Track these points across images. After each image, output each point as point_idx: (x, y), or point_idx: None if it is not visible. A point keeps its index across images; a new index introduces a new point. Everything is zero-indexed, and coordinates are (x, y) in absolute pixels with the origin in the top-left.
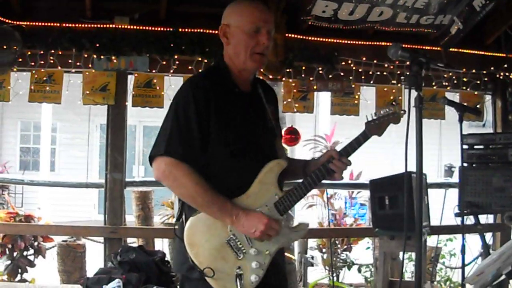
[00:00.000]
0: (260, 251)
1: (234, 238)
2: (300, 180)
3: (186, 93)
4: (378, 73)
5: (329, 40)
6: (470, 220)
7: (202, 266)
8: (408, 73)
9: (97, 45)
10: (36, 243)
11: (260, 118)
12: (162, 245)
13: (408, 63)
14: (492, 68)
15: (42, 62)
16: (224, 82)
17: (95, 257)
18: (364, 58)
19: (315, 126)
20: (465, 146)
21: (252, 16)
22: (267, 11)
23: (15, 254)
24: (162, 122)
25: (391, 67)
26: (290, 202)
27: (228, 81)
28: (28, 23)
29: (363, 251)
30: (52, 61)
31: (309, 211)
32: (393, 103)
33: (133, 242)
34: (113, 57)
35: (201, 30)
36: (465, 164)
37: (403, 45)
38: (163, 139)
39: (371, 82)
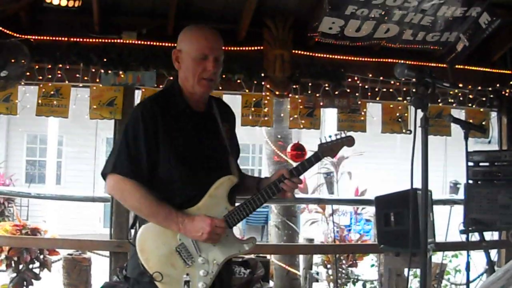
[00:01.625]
0: (208, 260)
1: (183, 246)
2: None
3: (136, 114)
4: (384, 89)
5: (336, 56)
6: (475, 237)
7: (152, 271)
8: (414, 92)
9: (105, 59)
10: (41, 256)
11: (213, 136)
12: None
13: (414, 80)
14: (497, 85)
15: (50, 76)
16: (176, 102)
17: (100, 271)
18: (370, 75)
19: None
20: (470, 163)
21: (199, 44)
22: (215, 39)
23: (20, 266)
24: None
25: (397, 84)
26: (239, 216)
27: (180, 102)
28: (36, 37)
29: (368, 267)
30: (59, 75)
31: (314, 227)
32: (399, 120)
33: None
34: (121, 72)
35: None
36: (470, 181)
37: (409, 62)
38: (112, 157)
39: (377, 98)
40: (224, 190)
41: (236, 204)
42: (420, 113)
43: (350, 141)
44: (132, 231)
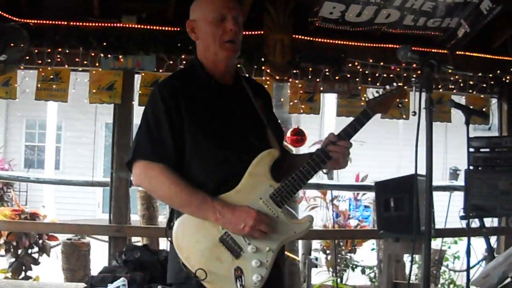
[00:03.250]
0: (260, 248)
1: (228, 236)
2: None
3: (154, 95)
4: (385, 75)
5: (336, 41)
6: (475, 223)
7: (194, 269)
8: (415, 76)
9: (105, 44)
10: (40, 241)
11: (246, 110)
12: (166, 244)
13: (414, 65)
14: (498, 72)
15: (49, 60)
16: (198, 77)
17: (99, 256)
18: (371, 60)
19: (321, 127)
20: (471, 149)
21: (214, 5)
22: None
23: (19, 251)
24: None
25: (398, 69)
26: (288, 193)
27: (202, 75)
28: (35, 21)
29: (367, 253)
30: (59, 60)
31: (313, 213)
32: (399, 105)
33: (137, 241)
34: (120, 56)
35: None
36: (471, 167)
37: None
38: (134, 144)
39: (378, 84)
40: (266, 166)
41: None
42: (424, 96)
43: (402, 93)
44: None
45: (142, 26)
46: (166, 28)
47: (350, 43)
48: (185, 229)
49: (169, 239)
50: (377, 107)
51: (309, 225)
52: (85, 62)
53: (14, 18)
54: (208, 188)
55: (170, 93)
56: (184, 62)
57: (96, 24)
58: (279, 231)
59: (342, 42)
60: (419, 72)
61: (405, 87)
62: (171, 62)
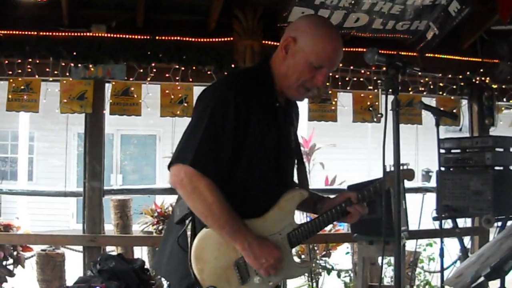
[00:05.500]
0: (264, 281)
1: (243, 261)
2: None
3: (226, 95)
4: (355, 79)
5: None
6: (448, 224)
7: (205, 284)
8: (385, 74)
9: (74, 53)
10: (15, 253)
11: (288, 139)
12: (141, 253)
13: (384, 68)
14: (468, 73)
15: (20, 70)
16: (266, 91)
17: (74, 266)
18: (340, 64)
19: None
20: (442, 151)
21: (324, 52)
22: (341, 51)
23: None
24: (191, 124)
25: (368, 73)
26: (302, 236)
27: (271, 92)
28: (5, 31)
29: (342, 257)
30: (29, 70)
31: None
32: (370, 109)
33: (112, 250)
34: (91, 65)
35: (178, 38)
36: (442, 168)
37: (379, 51)
38: (191, 147)
39: (348, 88)
40: (294, 205)
41: (298, 222)
42: (390, 98)
43: (411, 175)
44: (188, 230)
45: (112, 35)
46: (136, 37)
47: None
48: (209, 242)
49: (180, 243)
50: (390, 181)
51: (307, 270)
52: (55, 72)
53: None
54: (240, 210)
55: (244, 99)
56: (154, 70)
57: (66, 34)
58: (285, 269)
59: None
60: None
61: (378, 115)
62: (141, 70)
